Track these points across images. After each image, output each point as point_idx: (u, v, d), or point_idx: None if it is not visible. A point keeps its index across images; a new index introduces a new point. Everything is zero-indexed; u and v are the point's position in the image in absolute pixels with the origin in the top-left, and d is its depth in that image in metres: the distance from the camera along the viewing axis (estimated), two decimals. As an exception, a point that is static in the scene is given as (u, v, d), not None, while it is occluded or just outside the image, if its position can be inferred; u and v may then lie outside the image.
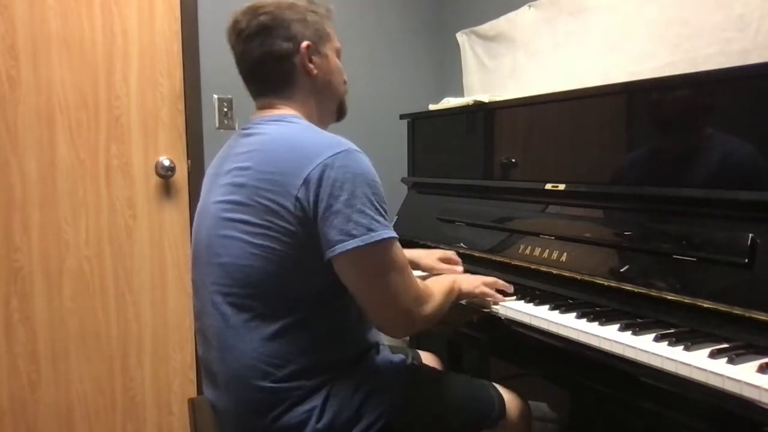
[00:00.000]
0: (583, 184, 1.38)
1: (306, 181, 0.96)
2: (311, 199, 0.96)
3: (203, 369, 1.14)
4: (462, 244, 1.62)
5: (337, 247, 0.95)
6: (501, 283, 1.29)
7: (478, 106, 1.75)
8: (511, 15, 2.10)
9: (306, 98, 1.13)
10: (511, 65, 2.13)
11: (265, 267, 0.99)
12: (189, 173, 2.10)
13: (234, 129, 2.14)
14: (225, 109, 2.13)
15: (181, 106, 2.08)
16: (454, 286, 1.19)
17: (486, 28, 2.24)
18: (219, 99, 2.12)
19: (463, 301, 1.28)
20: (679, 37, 1.53)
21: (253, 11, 1.09)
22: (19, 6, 1.83)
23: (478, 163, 1.79)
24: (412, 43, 2.52)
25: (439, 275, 1.32)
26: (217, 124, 2.13)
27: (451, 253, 1.50)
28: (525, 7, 2.04)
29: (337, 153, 0.98)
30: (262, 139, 1.06)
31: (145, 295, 2.06)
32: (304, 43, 1.09)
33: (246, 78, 1.15)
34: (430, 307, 1.07)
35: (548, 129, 1.55)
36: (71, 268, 1.94)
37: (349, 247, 0.94)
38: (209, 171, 1.17)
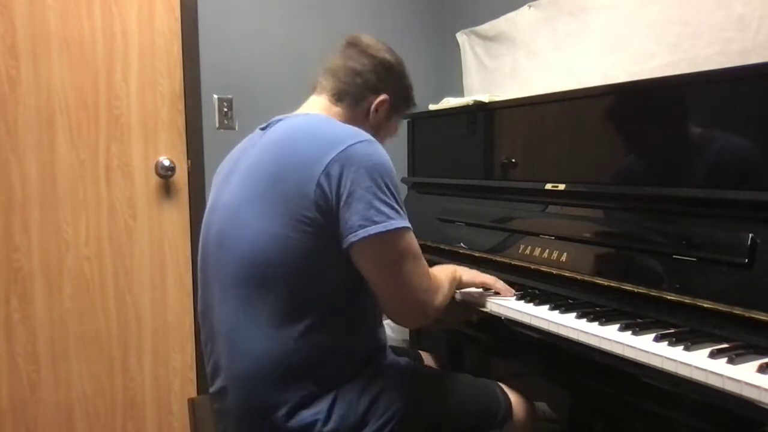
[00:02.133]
0: (583, 184, 1.38)
1: (328, 167, 0.97)
2: (333, 184, 0.97)
3: (208, 363, 1.14)
4: (462, 244, 1.62)
5: (359, 231, 0.95)
6: (501, 284, 1.28)
7: (478, 106, 1.75)
8: (511, 15, 2.10)
9: (350, 122, 1.15)
10: (511, 65, 2.13)
11: (278, 258, 0.98)
12: (189, 173, 2.10)
13: (234, 129, 2.14)
14: (225, 109, 2.13)
15: (181, 106, 2.07)
16: (455, 274, 1.20)
17: (486, 28, 2.24)
18: (219, 99, 2.12)
19: (457, 295, 1.27)
20: (679, 37, 1.53)
21: (385, 45, 1.22)
22: (19, 6, 1.83)
23: (478, 163, 1.79)
24: (412, 43, 2.52)
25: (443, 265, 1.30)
26: (217, 124, 2.13)
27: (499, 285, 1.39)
28: (525, 7, 2.04)
29: (360, 141, 1.00)
30: (282, 130, 1.08)
31: (145, 295, 2.06)
32: (385, 96, 1.19)
33: (326, 73, 1.19)
34: (440, 297, 1.09)
35: (548, 129, 1.55)
36: (71, 268, 1.94)
37: (372, 232, 0.95)
38: (221, 169, 1.18)
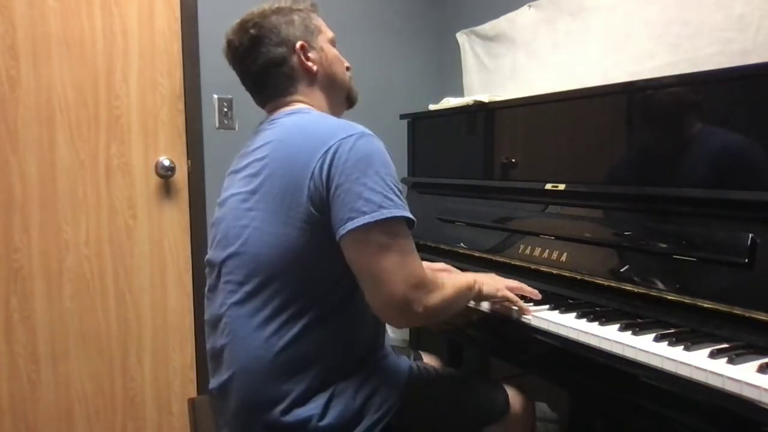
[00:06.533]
0: (583, 184, 1.38)
1: (320, 162, 0.98)
2: (324, 177, 0.97)
3: (210, 357, 1.14)
4: (462, 244, 1.62)
5: (348, 224, 0.95)
6: (527, 289, 1.23)
7: (478, 106, 1.75)
8: (511, 15, 2.10)
9: (313, 94, 1.16)
10: (511, 65, 2.13)
11: (280, 255, 0.99)
12: (189, 173, 2.10)
13: (234, 129, 2.14)
14: (225, 109, 2.13)
15: (181, 106, 2.07)
16: (474, 285, 1.13)
17: (486, 28, 2.24)
18: (219, 99, 2.12)
19: (485, 307, 1.25)
20: (679, 37, 1.53)
21: (241, 27, 1.14)
22: (19, 6, 1.83)
23: (478, 163, 1.79)
24: (412, 43, 2.52)
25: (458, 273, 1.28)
26: (217, 124, 2.13)
27: (451, 269, 1.42)
28: (525, 7, 2.04)
29: (350, 135, 0.99)
30: (277, 130, 1.09)
31: (145, 295, 2.06)
32: (298, 44, 1.14)
33: (252, 91, 1.20)
34: (435, 298, 1.00)
35: (548, 129, 1.55)
36: (71, 268, 1.94)
37: (359, 223, 0.94)
38: (229, 170, 1.19)
